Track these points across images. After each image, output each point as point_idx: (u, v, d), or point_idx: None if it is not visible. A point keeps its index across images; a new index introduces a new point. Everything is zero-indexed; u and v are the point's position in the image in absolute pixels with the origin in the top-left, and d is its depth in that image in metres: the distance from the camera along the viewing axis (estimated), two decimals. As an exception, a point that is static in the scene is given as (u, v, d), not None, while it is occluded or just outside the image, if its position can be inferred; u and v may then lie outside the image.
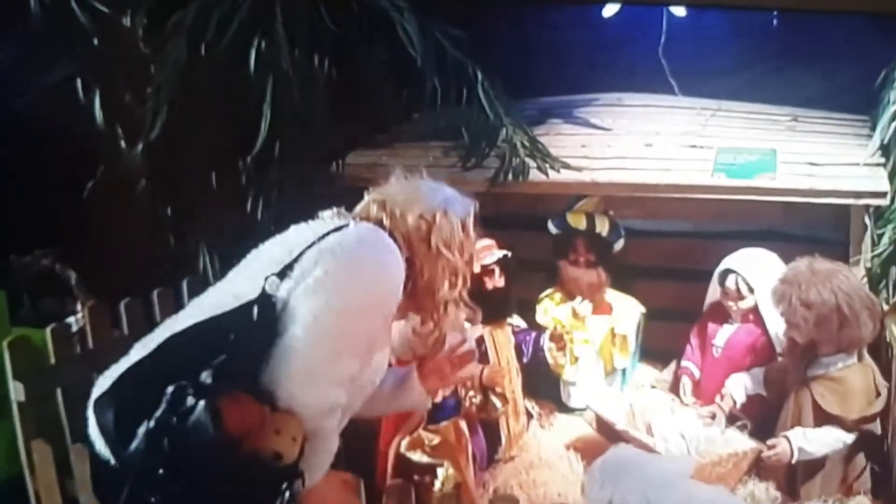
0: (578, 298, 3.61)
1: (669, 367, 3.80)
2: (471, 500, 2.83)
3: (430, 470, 2.81)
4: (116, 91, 3.45)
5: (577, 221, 3.63)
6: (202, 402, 1.70)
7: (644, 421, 3.33)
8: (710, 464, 3.08)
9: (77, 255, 3.62)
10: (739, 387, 3.25)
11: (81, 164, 3.47)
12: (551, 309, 3.69)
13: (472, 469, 3.31)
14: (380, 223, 2.06)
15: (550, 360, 3.54)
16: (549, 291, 3.75)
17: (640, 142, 3.58)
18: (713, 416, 3.27)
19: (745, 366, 3.35)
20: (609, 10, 3.72)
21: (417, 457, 2.87)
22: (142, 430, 1.72)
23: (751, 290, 3.34)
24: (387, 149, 3.78)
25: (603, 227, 3.63)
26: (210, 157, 3.45)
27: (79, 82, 3.40)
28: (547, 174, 3.42)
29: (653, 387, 3.71)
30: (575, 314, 3.59)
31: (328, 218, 2.08)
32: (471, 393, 3.17)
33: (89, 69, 3.41)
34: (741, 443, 3.16)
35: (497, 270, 3.44)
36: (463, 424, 3.13)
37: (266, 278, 1.89)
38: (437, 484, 2.77)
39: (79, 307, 3.41)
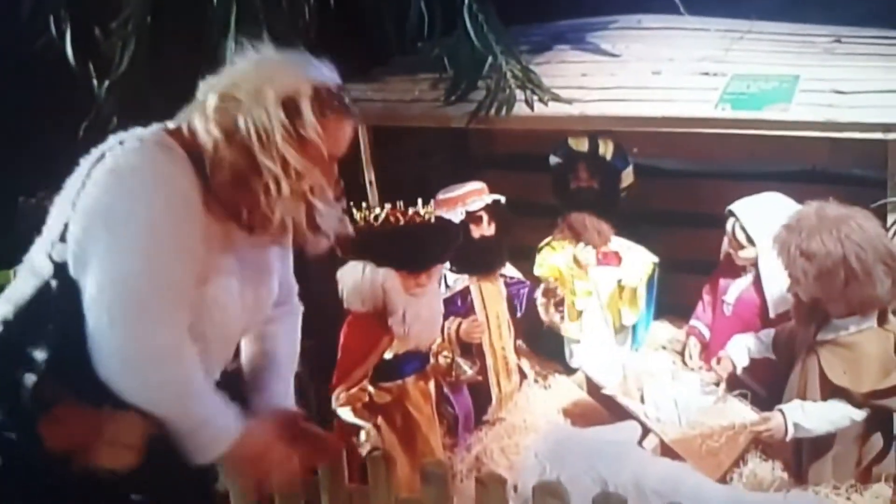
0: (581, 244, 3.23)
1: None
2: (405, 473, 2.51)
3: (355, 431, 2.53)
4: (87, 27, 3.34)
5: (579, 144, 3.25)
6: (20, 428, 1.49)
7: (638, 386, 2.95)
8: (699, 436, 2.74)
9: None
10: (742, 349, 2.81)
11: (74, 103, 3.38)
12: (550, 257, 3.31)
13: (457, 431, 3.06)
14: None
15: (543, 316, 3.24)
16: (550, 239, 3.37)
17: (647, 70, 3.09)
18: (718, 383, 2.86)
19: (757, 326, 2.90)
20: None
21: (345, 414, 2.55)
22: None
23: (750, 240, 2.88)
24: (376, 83, 3.48)
25: (607, 149, 3.24)
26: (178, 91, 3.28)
27: (51, 19, 3.31)
28: (532, 107, 3.03)
29: (664, 347, 3.29)
30: (576, 261, 3.22)
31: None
32: (444, 352, 2.83)
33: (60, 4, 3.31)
34: (739, 414, 2.75)
35: (486, 217, 3.12)
36: (431, 384, 2.81)
37: (52, 246, 1.55)
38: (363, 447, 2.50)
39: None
